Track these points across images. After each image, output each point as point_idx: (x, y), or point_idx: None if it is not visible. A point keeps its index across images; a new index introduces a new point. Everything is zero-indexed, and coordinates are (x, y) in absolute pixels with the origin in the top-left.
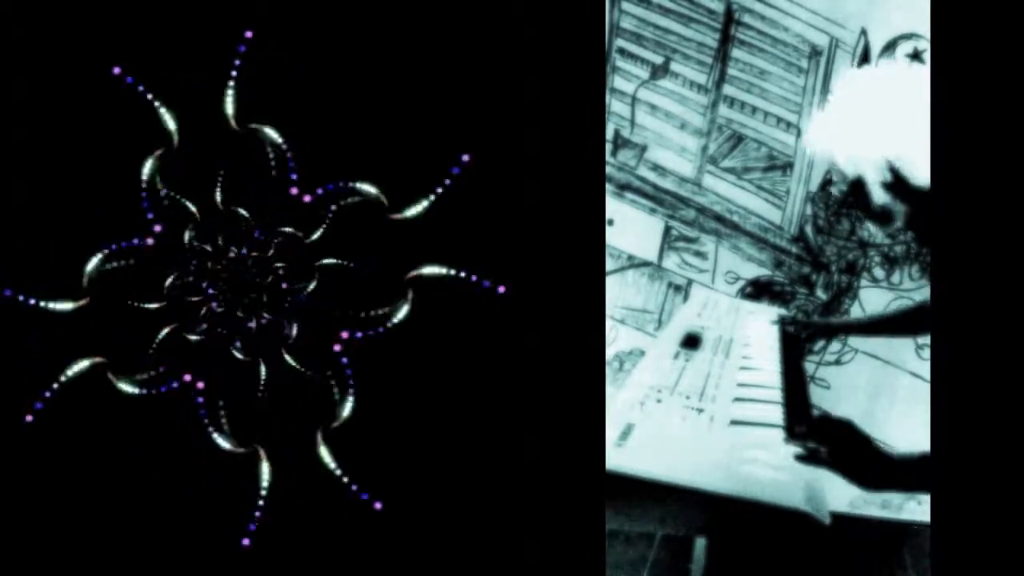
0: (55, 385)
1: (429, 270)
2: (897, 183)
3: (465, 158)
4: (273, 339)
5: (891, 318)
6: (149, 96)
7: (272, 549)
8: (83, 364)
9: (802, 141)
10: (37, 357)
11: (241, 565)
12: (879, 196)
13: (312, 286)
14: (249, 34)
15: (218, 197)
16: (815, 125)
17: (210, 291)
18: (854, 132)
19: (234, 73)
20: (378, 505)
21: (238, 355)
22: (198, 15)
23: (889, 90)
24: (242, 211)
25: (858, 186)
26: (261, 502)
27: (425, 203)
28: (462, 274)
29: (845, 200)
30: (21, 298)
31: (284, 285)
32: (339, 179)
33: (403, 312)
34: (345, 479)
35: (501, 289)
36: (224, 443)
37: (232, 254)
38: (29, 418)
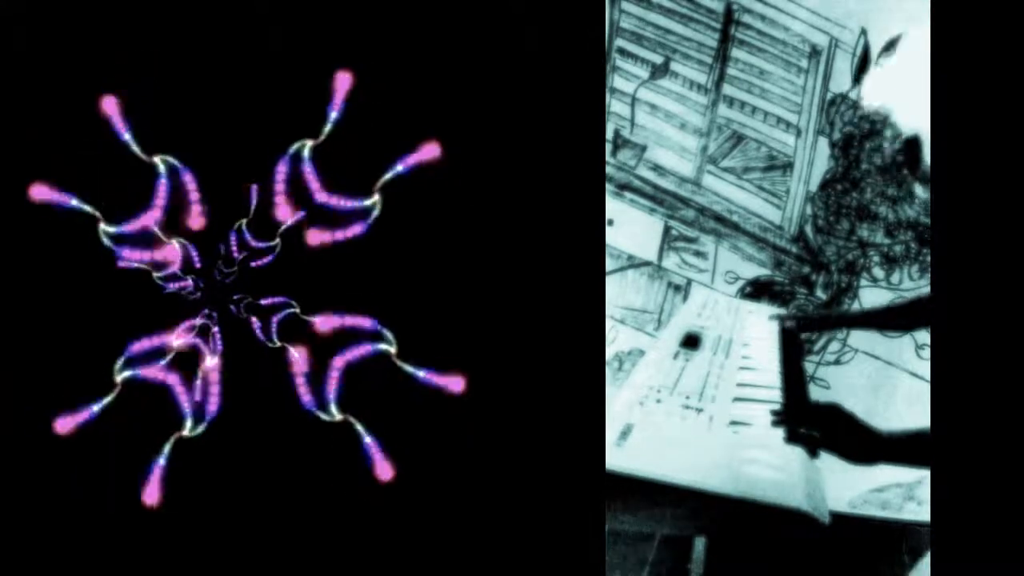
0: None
1: (392, 174)
2: None
3: (345, 78)
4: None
5: (886, 311)
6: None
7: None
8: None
9: (859, 92)
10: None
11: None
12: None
13: (277, 246)
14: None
15: (157, 231)
16: (873, 79)
17: (210, 312)
18: (915, 89)
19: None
20: (459, 386)
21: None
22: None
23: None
24: (181, 239)
25: (913, 143)
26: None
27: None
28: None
29: (894, 159)
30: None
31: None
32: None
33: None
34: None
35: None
36: (325, 416)
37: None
38: (152, 501)
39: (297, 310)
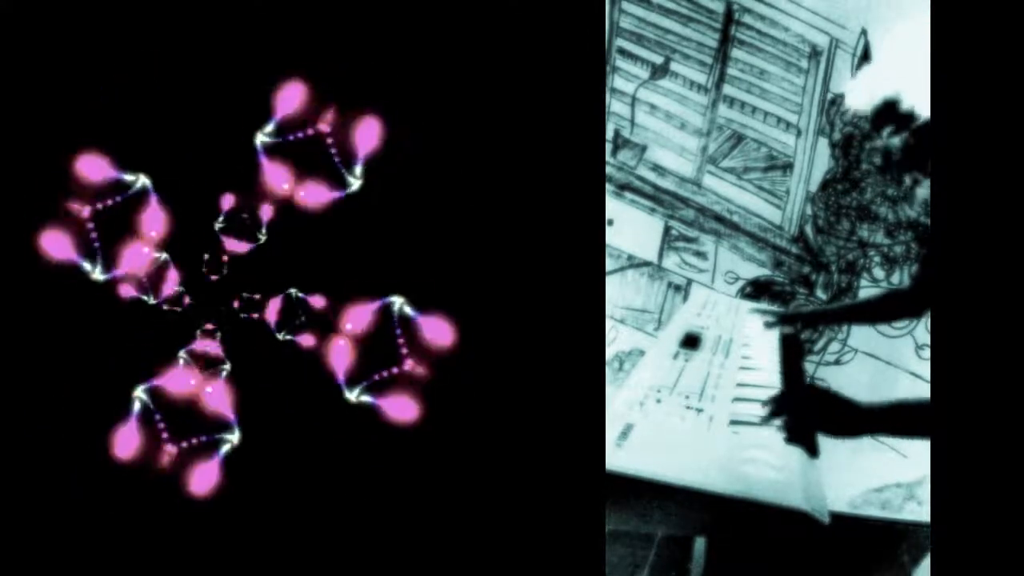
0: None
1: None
2: None
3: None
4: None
5: (863, 305)
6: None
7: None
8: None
9: (859, 72)
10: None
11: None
12: None
13: (263, 238)
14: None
15: (146, 251)
16: (879, 59)
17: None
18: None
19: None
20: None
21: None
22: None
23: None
24: (166, 255)
25: (922, 132)
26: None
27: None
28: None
29: (906, 146)
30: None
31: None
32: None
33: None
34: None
35: None
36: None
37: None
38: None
39: (297, 295)
